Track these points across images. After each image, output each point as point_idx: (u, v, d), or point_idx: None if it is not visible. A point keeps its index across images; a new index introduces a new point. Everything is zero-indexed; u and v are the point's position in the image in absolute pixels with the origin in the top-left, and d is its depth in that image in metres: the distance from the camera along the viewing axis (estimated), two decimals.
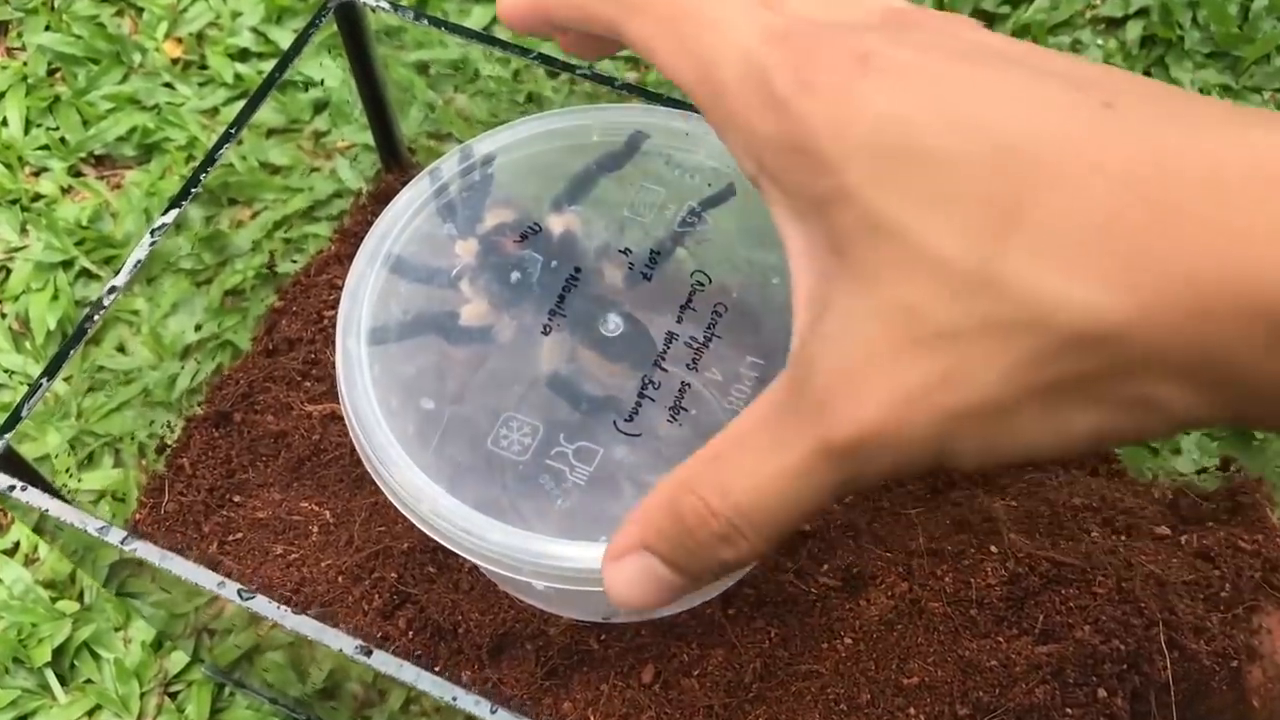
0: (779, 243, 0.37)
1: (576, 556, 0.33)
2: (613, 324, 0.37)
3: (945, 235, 0.23)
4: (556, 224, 0.39)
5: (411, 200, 0.39)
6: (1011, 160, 0.22)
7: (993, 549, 0.43)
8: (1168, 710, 0.41)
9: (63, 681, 0.56)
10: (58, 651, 0.56)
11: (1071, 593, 0.42)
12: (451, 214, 0.39)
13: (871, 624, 0.42)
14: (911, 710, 0.41)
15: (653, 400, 0.36)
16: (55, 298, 0.65)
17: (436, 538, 0.34)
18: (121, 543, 0.36)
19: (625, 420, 0.35)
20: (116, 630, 0.57)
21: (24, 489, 0.37)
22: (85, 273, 0.67)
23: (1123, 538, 0.44)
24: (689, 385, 0.36)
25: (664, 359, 0.36)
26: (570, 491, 0.35)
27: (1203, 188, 0.21)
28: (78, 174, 0.70)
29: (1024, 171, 0.22)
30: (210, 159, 0.42)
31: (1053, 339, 0.22)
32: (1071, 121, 0.23)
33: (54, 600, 0.57)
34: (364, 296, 0.37)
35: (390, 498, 0.35)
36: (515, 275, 0.38)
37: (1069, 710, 0.40)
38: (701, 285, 0.38)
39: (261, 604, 0.35)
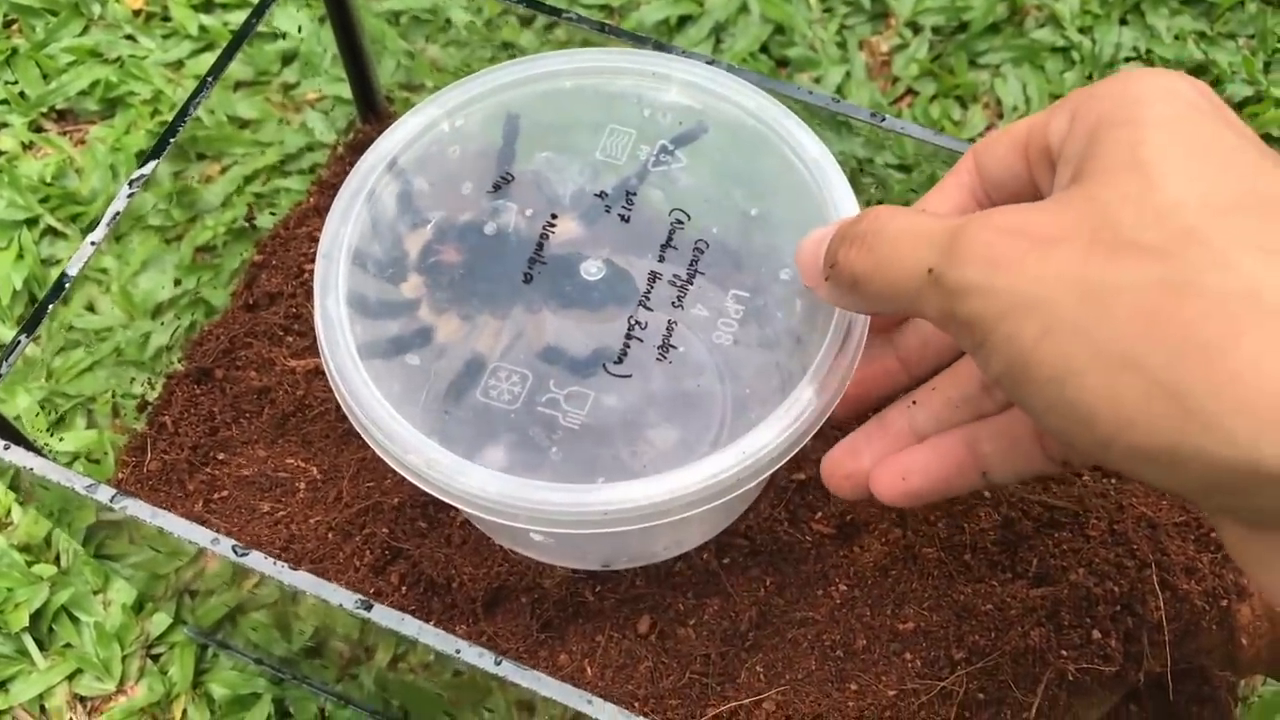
0: (755, 177, 0.37)
1: (575, 502, 0.32)
2: (594, 268, 0.36)
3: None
4: (528, 172, 0.38)
5: (379, 159, 0.38)
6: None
7: (985, 494, 0.43)
8: (1160, 650, 0.41)
9: (41, 646, 0.55)
10: (35, 616, 0.55)
11: (1065, 536, 0.42)
12: (421, 168, 0.38)
13: (866, 570, 0.42)
14: (907, 655, 0.41)
15: (640, 341, 0.35)
16: (20, 256, 0.64)
17: (433, 492, 0.33)
18: (110, 500, 0.35)
19: (615, 363, 0.35)
20: (95, 593, 0.56)
21: (7, 448, 0.36)
22: (51, 230, 0.65)
23: (1113, 480, 0.44)
24: (675, 324, 0.36)
25: (648, 299, 0.36)
26: (565, 437, 0.34)
27: None
28: (39, 129, 0.69)
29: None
30: (187, 108, 0.41)
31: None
32: None
33: (30, 564, 0.56)
34: (339, 257, 0.36)
35: (383, 456, 0.34)
36: (490, 227, 0.37)
37: (1064, 652, 0.40)
38: (681, 223, 0.37)
39: (257, 560, 0.34)
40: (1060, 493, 0.43)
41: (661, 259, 0.37)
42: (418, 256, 0.37)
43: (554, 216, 0.37)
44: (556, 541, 0.40)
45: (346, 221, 0.37)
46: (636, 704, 0.40)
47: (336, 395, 0.35)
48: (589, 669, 0.41)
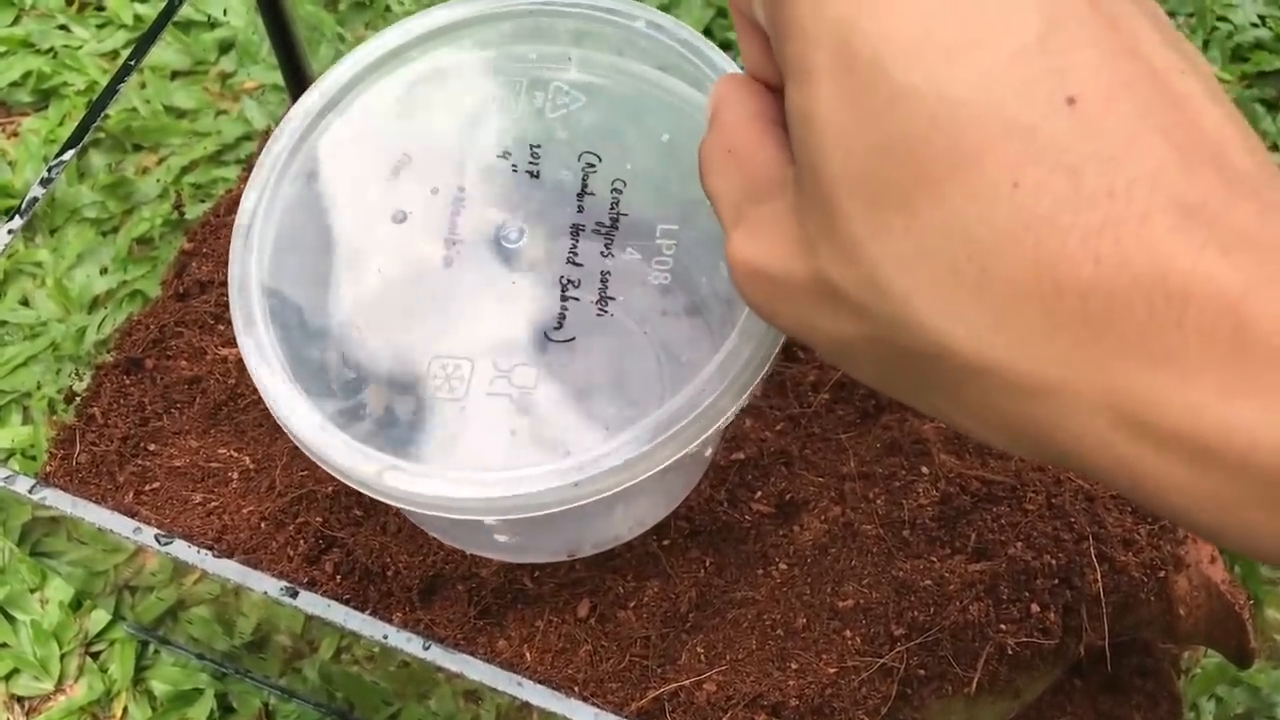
0: (661, 101, 0.35)
1: (544, 485, 0.31)
2: (513, 234, 0.34)
3: (850, 181, 0.21)
4: (423, 148, 0.36)
5: (274, 164, 0.35)
6: (942, 130, 0.20)
7: (924, 470, 0.43)
8: (1099, 623, 0.41)
9: None
10: None
11: (1003, 510, 0.42)
12: (314, 174, 0.36)
13: (805, 549, 0.42)
14: (847, 632, 0.41)
15: (577, 300, 0.34)
16: None
17: (396, 504, 0.32)
18: (29, 491, 0.34)
19: (555, 329, 0.33)
20: (33, 592, 0.55)
21: None
22: None
23: None
24: (609, 273, 0.34)
25: (576, 253, 0.34)
26: (519, 417, 0.33)
27: (1141, 306, 0.19)
28: None
29: (945, 152, 0.20)
30: (111, 90, 0.40)
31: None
32: (1021, 112, 0.20)
33: None
34: (252, 284, 0.34)
35: (339, 476, 0.32)
36: (398, 215, 0.35)
37: (1003, 626, 0.40)
38: (593, 166, 0.35)
39: (180, 548, 0.34)
40: (998, 467, 0.43)
41: (581, 209, 0.34)
42: (330, 266, 0.35)
43: (461, 189, 0.35)
44: (523, 537, 0.39)
45: (251, 244, 0.34)
46: (576, 687, 0.40)
47: (283, 427, 0.33)
48: (528, 654, 0.41)
